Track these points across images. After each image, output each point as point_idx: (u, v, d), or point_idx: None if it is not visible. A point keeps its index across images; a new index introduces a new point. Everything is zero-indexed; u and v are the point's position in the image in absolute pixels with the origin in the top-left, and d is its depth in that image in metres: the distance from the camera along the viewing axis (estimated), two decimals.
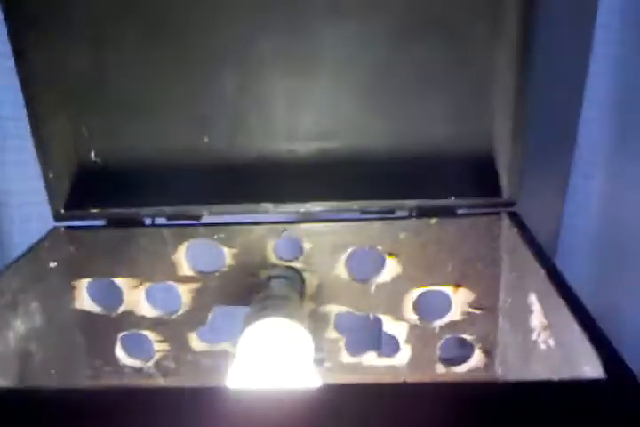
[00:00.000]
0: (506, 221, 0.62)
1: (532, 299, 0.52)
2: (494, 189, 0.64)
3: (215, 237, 0.63)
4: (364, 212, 0.64)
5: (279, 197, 0.64)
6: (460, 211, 0.64)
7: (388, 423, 0.35)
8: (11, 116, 0.71)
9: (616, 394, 0.36)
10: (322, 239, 0.64)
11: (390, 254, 0.64)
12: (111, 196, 0.64)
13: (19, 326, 0.54)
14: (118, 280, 0.64)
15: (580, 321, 0.42)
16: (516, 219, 0.61)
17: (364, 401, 0.36)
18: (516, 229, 0.59)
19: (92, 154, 0.65)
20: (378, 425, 0.35)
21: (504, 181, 0.63)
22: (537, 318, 0.52)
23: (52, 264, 0.60)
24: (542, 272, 0.49)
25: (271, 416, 0.35)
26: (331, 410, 0.35)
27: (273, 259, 0.65)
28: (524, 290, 0.55)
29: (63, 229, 0.63)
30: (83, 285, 0.65)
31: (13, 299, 0.53)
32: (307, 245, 0.64)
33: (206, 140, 0.66)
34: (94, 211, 0.63)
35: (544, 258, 0.52)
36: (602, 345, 0.39)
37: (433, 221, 0.63)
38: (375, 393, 0.37)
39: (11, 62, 0.58)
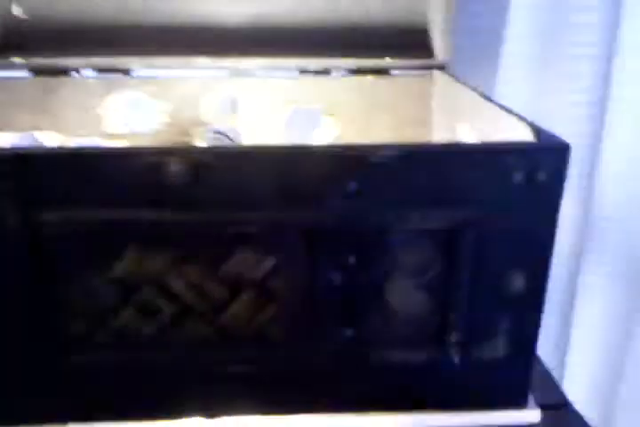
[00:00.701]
0: (438, 81, 0.64)
1: (462, 129, 0.54)
2: (426, 51, 0.65)
3: (146, 89, 0.62)
4: (301, 71, 0.64)
5: (215, 53, 0.63)
6: (394, 72, 0.65)
7: None
8: None
9: (547, 157, 0.38)
10: (258, 96, 0.64)
11: (328, 114, 0.64)
12: (35, 47, 0.61)
13: None
14: (41, 135, 0.61)
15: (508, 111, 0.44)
16: (448, 75, 0.63)
17: None
18: (447, 77, 0.60)
19: (14, 6, 0.62)
20: None
21: (436, 43, 0.64)
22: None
23: None
24: (475, 95, 0.51)
25: None
26: None
27: (207, 117, 0.64)
28: (453, 129, 0.57)
29: None
30: (4, 141, 0.61)
31: None
32: (242, 103, 0.63)
33: None
34: (17, 60, 0.60)
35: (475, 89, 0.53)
36: (531, 125, 0.41)
37: (369, 79, 0.64)
38: None
39: None
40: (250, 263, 0.37)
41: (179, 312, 0.37)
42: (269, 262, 0.37)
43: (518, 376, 0.42)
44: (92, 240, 0.35)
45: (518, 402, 0.43)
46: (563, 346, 0.79)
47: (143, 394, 0.38)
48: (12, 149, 0.35)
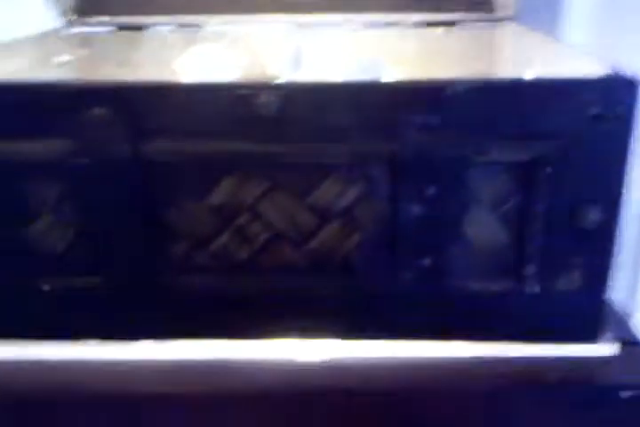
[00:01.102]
0: (507, 31, 0.64)
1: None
2: (492, 6, 0.65)
3: (219, 44, 0.64)
4: (368, 25, 0.65)
5: (281, 8, 0.65)
6: (461, 25, 0.65)
7: None
8: None
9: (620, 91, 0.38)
10: (325, 50, 0.65)
11: (394, 64, 0.65)
12: (118, 7, 0.65)
13: None
14: None
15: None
16: (517, 25, 0.63)
17: None
18: (516, 26, 0.60)
19: None
20: None
21: None
22: None
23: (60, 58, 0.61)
24: (548, 40, 0.51)
25: None
26: None
27: (274, 71, 0.66)
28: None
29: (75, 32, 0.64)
30: None
31: None
32: (308, 56, 0.65)
33: None
34: (104, 18, 0.64)
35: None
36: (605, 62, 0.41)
37: (436, 30, 0.65)
38: None
39: None
40: (335, 193, 0.39)
41: (270, 239, 0.40)
42: (353, 193, 0.39)
43: (592, 310, 0.43)
44: (192, 169, 0.38)
45: (591, 335, 0.44)
46: (633, 288, 0.78)
47: (237, 314, 0.41)
48: (116, 81, 0.38)
